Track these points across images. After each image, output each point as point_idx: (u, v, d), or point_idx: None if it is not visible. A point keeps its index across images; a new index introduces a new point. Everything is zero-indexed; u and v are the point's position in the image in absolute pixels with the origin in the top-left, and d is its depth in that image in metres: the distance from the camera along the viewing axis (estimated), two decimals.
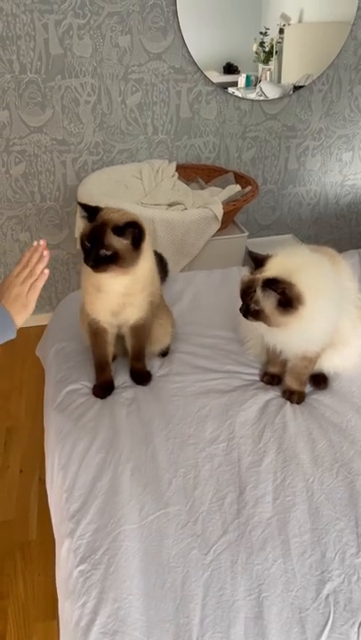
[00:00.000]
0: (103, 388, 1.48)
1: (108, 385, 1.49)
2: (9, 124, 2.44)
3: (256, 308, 1.25)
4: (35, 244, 1.21)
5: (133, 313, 1.41)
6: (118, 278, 1.31)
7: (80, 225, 2.41)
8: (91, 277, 1.34)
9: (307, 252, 1.33)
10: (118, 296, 1.36)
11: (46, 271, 1.19)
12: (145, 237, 1.31)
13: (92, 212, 1.31)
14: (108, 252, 1.26)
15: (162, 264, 1.82)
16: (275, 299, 1.22)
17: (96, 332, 1.45)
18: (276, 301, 1.22)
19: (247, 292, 1.27)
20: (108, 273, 1.29)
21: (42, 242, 1.21)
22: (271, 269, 1.25)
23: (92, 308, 1.42)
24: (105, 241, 1.25)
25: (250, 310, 1.27)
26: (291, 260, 1.28)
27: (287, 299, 1.21)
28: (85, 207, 1.32)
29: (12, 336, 1.14)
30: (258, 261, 1.29)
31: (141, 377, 1.49)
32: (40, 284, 1.18)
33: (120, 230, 1.25)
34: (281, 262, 1.27)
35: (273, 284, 1.21)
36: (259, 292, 1.24)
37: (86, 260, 1.28)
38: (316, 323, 1.26)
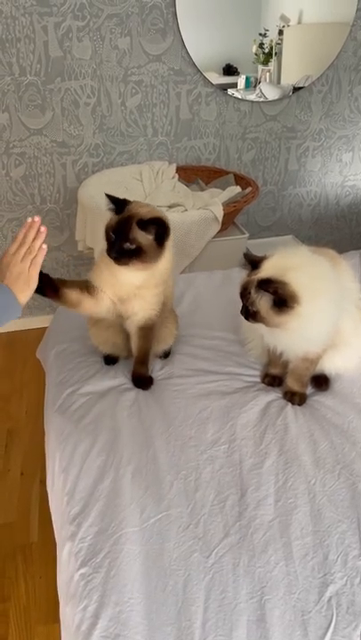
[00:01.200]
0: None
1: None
2: (9, 126, 2.44)
3: (253, 309, 1.25)
4: (29, 220, 1.20)
5: (141, 308, 1.40)
6: (136, 272, 1.32)
7: (80, 225, 2.41)
8: (106, 259, 1.34)
9: (304, 252, 1.32)
10: (131, 287, 1.37)
11: (44, 246, 1.19)
12: (169, 235, 1.31)
13: (119, 204, 1.32)
14: (132, 246, 1.26)
15: None
16: (269, 299, 1.21)
17: None
18: (270, 301, 1.22)
19: (244, 293, 1.27)
20: (130, 267, 1.30)
21: (36, 218, 1.21)
22: (266, 270, 1.25)
23: (101, 287, 1.42)
24: (130, 234, 1.26)
25: (249, 312, 1.27)
26: (286, 260, 1.27)
27: (281, 298, 1.20)
28: (113, 199, 1.32)
29: (18, 315, 1.14)
30: (253, 263, 1.29)
31: (143, 381, 1.49)
32: (40, 259, 1.18)
33: (144, 225, 1.26)
34: (276, 263, 1.26)
35: (265, 284, 1.21)
36: (253, 294, 1.23)
37: (109, 252, 1.28)
38: (314, 322, 1.25)
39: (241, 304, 1.31)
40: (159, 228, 1.28)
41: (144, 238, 1.27)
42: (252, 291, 1.24)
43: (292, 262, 1.26)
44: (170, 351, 1.59)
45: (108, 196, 1.33)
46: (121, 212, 1.30)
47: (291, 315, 1.21)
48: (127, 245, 1.26)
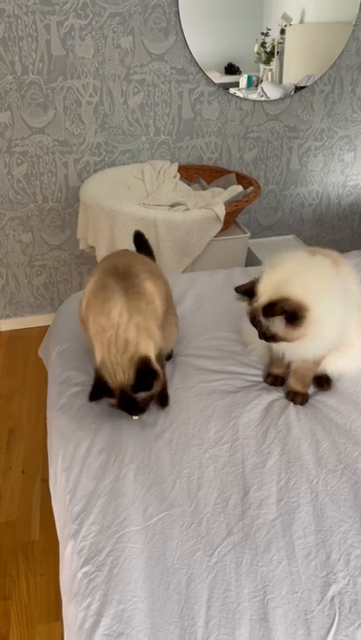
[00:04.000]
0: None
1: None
2: (11, 125, 2.44)
3: (270, 333, 1.24)
4: None
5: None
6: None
7: (81, 224, 2.41)
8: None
9: (297, 258, 1.30)
10: None
11: None
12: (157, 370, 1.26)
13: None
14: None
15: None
16: (280, 320, 1.21)
17: None
18: (282, 322, 1.21)
19: (255, 322, 1.26)
20: None
21: None
22: (263, 294, 1.23)
23: None
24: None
25: (267, 336, 1.26)
26: (277, 275, 1.24)
27: (291, 314, 1.19)
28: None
29: None
30: (248, 292, 1.27)
31: (162, 398, 1.41)
32: None
33: (138, 387, 1.23)
34: (269, 281, 1.24)
35: (270, 309, 1.20)
36: (263, 321, 1.23)
37: None
38: (327, 322, 1.23)
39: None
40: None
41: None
42: (261, 319, 1.23)
43: (284, 274, 1.23)
44: (172, 354, 1.59)
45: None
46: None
47: (306, 324, 1.20)
48: None
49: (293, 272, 1.24)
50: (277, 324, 1.22)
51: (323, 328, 1.23)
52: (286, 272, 1.25)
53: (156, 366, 1.25)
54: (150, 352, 1.25)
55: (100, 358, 1.26)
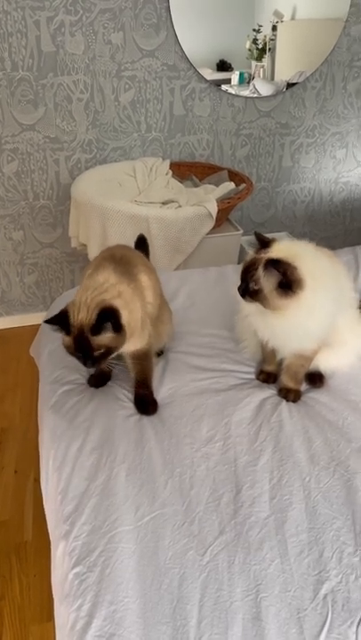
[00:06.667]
0: (98, 378, 1.47)
1: (104, 375, 1.47)
2: (1, 122, 2.42)
3: (255, 287, 1.24)
4: None
5: (129, 345, 1.34)
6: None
7: (73, 221, 2.40)
8: None
9: (310, 246, 1.33)
10: None
11: None
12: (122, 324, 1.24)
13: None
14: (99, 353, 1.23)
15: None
16: (276, 279, 1.21)
17: None
18: (276, 282, 1.21)
19: (249, 269, 1.26)
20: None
21: None
22: (276, 251, 1.25)
23: None
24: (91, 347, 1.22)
25: (249, 290, 1.26)
26: (296, 247, 1.28)
27: (288, 280, 1.20)
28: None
29: None
30: (264, 242, 1.29)
31: (147, 404, 1.40)
32: None
33: (96, 329, 1.20)
34: (286, 246, 1.27)
35: (276, 263, 1.20)
36: (260, 271, 1.23)
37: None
38: (312, 313, 1.24)
39: (236, 291, 1.30)
40: (112, 321, 1.21)
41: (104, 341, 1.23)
42: (260, 268, 1.23)
43: (301, 250, 1.27)
44: (164, 349, 1.58)
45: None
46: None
47: (292, 300, 1.21)
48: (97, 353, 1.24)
49: (307, 252, 1.28)
50: (270, 281, 1.22)
51: (302, 314, 1.24)
52: (302, 249, 1.29)
53: (124, 323, 1.23)
54: (124, 315, 1.23)
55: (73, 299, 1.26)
